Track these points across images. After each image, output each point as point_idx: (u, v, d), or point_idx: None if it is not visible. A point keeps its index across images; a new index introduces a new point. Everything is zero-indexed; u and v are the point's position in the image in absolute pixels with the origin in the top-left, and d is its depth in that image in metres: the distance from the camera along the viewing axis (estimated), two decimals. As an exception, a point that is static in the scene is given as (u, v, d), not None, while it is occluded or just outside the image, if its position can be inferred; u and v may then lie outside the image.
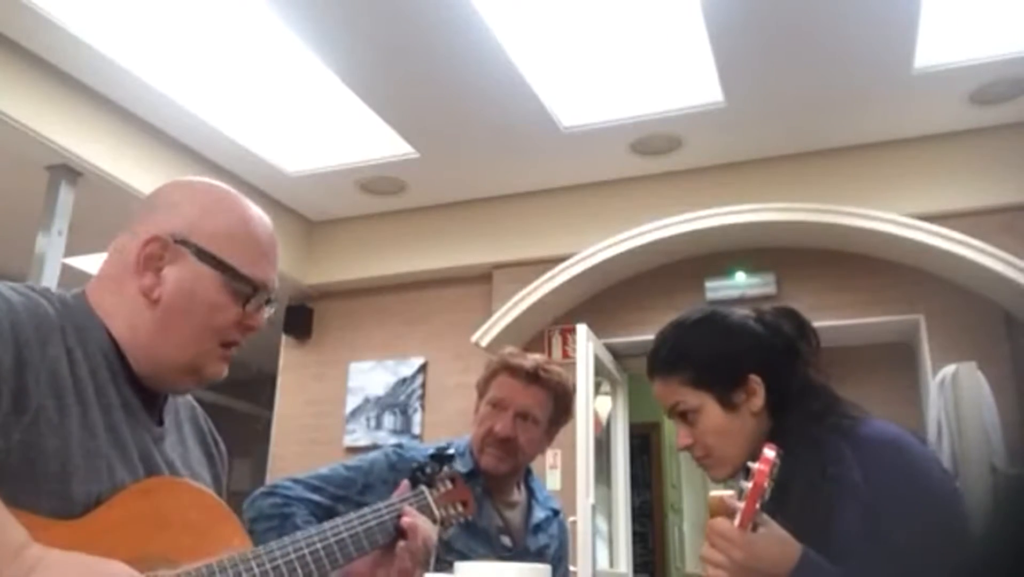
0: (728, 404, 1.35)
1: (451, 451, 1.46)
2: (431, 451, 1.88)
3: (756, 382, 1.35)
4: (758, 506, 1.09)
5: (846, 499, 1.21)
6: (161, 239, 1.08)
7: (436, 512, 1.37)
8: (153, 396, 1.10)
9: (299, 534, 1.12)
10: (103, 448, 0.99)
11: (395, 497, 1.34)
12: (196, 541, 1.02)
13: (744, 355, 1.37)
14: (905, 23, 3.32)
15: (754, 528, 1.10)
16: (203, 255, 1.09)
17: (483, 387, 1.89)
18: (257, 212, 1.17)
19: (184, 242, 1.09)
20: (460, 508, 1.43)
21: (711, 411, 1.35)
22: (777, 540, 1.13)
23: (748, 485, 1.09)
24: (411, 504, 1.33)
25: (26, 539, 0.85)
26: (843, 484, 1.22)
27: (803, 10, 3.26)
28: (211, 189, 1.16)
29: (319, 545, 1.13)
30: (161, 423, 1.11)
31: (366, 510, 1.26)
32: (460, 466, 1.72)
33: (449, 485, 1.43)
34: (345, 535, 1.18)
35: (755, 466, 1.09)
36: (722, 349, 1.38)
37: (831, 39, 3.43)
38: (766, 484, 1.08)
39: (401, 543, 1.27)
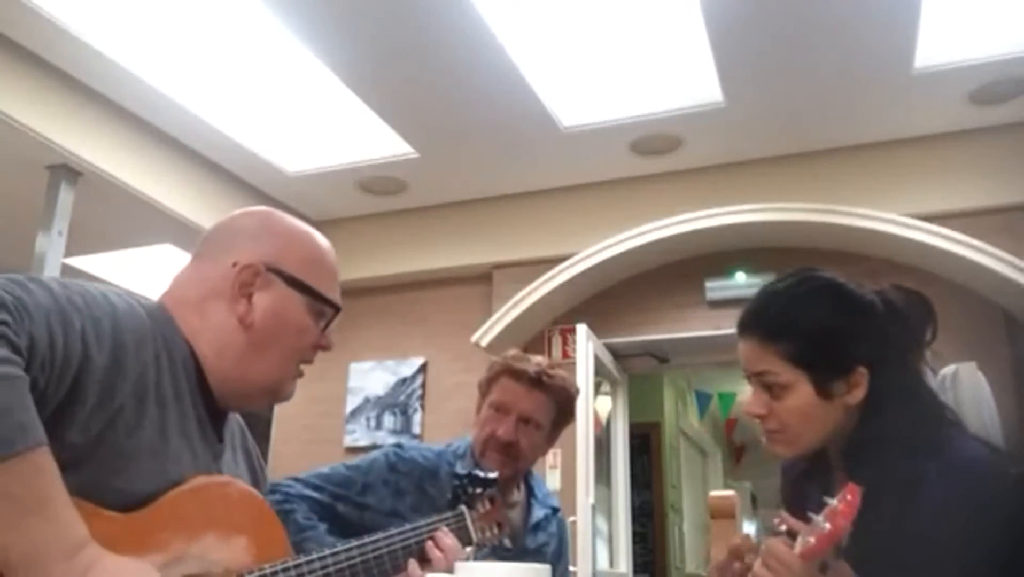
0: (824, 391, 1.18)
1: (494, 475, 1.46)
2: (436, 450, 1.89)
3: (862, 375, 1.18)
4: (830, 548, 1.00)
5: (919, 526, 1.09)
6: (254, 266, 1.14)
7: (473, 535, 1.38)
8: (218, 414, 1.15)
9: (340, 546, 1.15)
10: (173, 452, 1.03)
11: (436, 516, 1.35)
12: (238, 544, 1.05)
13: (860, 343, 1.19)
14: (905, 23, 3.32)
15: (823, 569, 1.02)
16: (292, 281, 1.16)
17: (485, 388, 1.88)
18: (323, 238, 1.26)
19: (274, 269, 1.15)
20: (496, 529, 1.44)
21: (802, 393, 1.19)
22: None
23: (822, 524, 1.00)
24: (449, 524, 1.34)
25: (85, 537, 0.88)
26: (919, 511, 1.10)
27: (803, 10, 3.26)
28: (285, 219, 1.23)
29: (358, 560, 1.16)
30: (220, 440, 1.16)
31: (407, 527, 1.27)
32: (460, 468, 1.72)
33: (488, 505, 1.44)
34: (384, 551, 1.21)
35: (832, 503, 0.99)
36: (838, 330, 1.20)
37: (831, 39, 3.43)
38: (845, 530, 0.98)
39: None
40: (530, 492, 1.96)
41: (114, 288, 1.05)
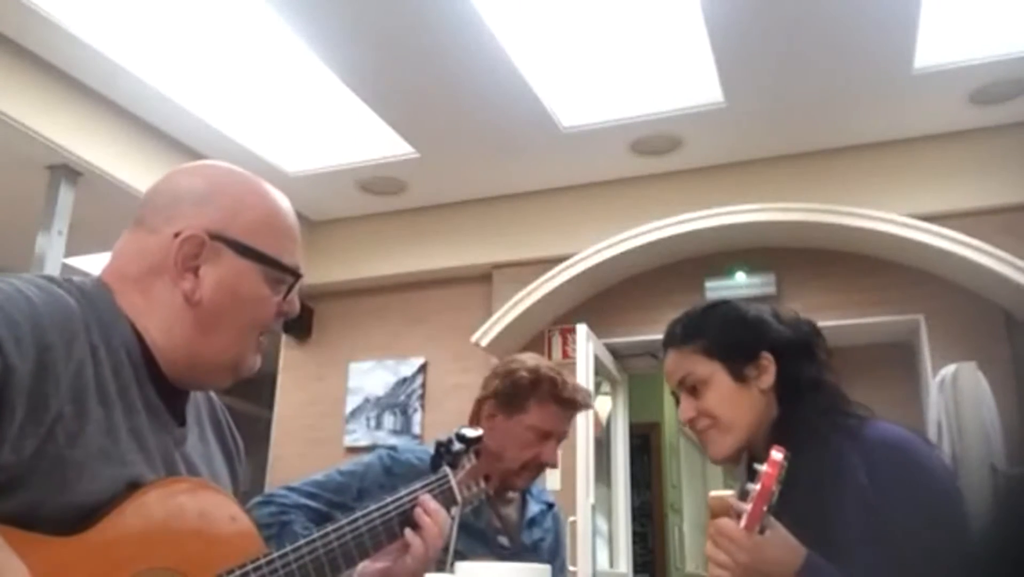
0: (739, 376, 1.36)
1: (478, 433, 1.40)
2: (431, 450, 1.88)
3: (768, 360, 1.37)
4: (765, 509, 1.09)
5: (849, 500, 1.21)
6: (198, 237, 1.01)
7: (459, 496, 1.32)
8: (175, 394, 1.05)
9: (316, 533, 1.09)
10: (125, 453, 0.94)
11: (418, 482, 1.29)
12: (208, 548, 0.98)
13: (759, 334, 1.39)
14: (905, 23, 3.32)
15: (761, 531, 1.10)
16: (243, 250, 1.04)
17: (518, 404, 1.81)
18: (279, 194, 1.12)
19: (222, 238, 1.03)
20: (482, 483, 1.37)
21: (721, 381, 1.37)
22: (782, 544, 1.13)
23: (755, 488, 1.09)
24: (432, 489, 1.28)
25: None
26: (847, 485, 1.22)
27: (803, 10, 3.26)
28: (233, 177, 1.10)
29: (336, 544, 1.09)
30: (183, 423, 1.07)
31: (387, 499, 1.22)
32: None
33: (473, 460, 1.37)
34: (364, 529, 1.14)
35: (762, 468, 1.09)
36: (739, 323, 1.41)
37: (831, 39, 3.43)
38: (774, 487, 1.08)
39: (407, 554, 1.23)
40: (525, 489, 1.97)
41: (31, 277, 0.93)
